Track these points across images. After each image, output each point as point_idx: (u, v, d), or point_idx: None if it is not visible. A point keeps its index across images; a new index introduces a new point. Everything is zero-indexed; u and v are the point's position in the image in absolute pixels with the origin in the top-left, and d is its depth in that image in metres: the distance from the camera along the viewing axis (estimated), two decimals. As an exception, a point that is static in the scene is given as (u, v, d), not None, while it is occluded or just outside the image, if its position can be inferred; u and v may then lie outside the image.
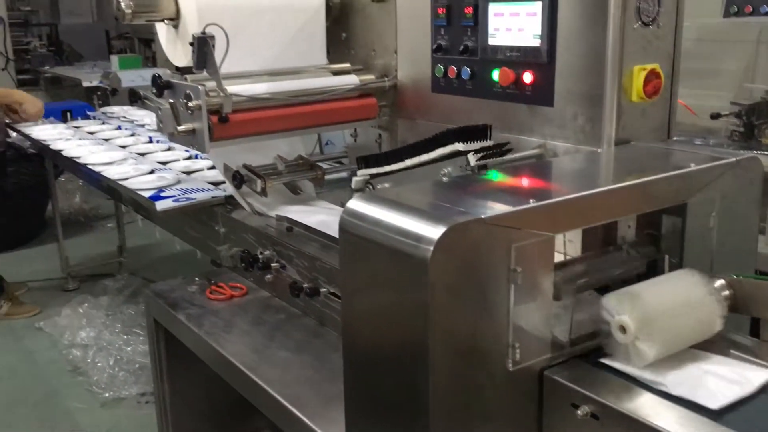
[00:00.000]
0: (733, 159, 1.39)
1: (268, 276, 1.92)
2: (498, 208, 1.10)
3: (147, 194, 2.26)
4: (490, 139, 1.57)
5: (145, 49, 8.90)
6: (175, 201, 2.19)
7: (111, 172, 2.53)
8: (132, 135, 3.09)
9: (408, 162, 1.64)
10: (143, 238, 4.51)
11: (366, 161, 1.71)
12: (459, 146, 1.52)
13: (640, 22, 1.52)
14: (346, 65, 2.18)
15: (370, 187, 1.72)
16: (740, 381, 1.12)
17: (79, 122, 3.62)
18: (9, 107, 3.71)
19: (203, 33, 1.81)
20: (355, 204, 1.18)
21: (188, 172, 2.53)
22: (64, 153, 2.91)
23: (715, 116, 2.66)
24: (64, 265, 4.18)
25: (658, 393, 1.10)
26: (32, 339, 3.55)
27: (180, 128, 1.85)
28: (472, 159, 1.48)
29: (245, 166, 2.10)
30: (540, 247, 1.13)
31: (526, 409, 1.18)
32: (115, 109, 3.96)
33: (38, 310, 3.85)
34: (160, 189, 2.32)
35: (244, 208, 2.14)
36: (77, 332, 3.40)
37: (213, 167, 2.59)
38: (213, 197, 2.22)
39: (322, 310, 1.76)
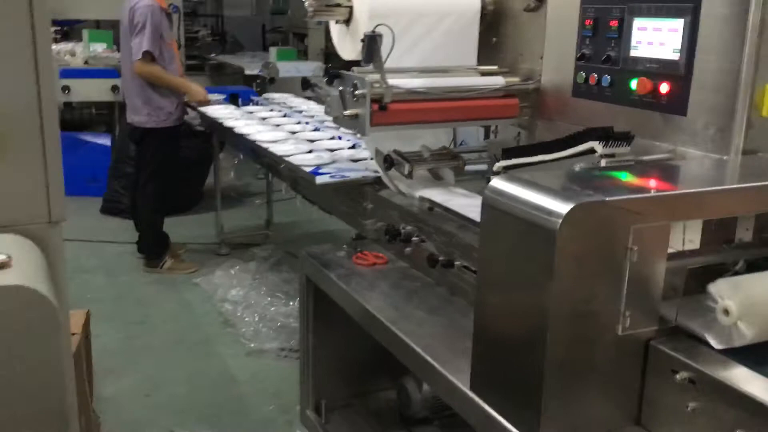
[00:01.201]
0: None
1: (408, 249, 2.17)
2: (621, 193, 1.29)
3: (308, 170, 2.58)
4: (629, 146, 1.73)
5: (299, 42, 9.46)
6: (331, 177, 2.49)
7: (276, 149, 2.88)
8: (298, 123, 3.42)
9: (545, 156, 1.83)
10: (288, 215, 4.92)
11: (509, 152, 1.92)
12: (595, 145, 1.71)
13: (776, 44, 1.64)
14: (494, 67, 2.39)
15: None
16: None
17: (251, 107, 4.02)
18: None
19: (373, 32, 2.09)
20: (497, 182, 1.40)
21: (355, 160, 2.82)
22: (236, 130, 3.31)
23: None
24: (219, 232, 4.65)
25: (749, 366, 1.25)
26: (190, 292, 4.01)
27: (346, 113, 2.13)
28: (604, 160, 1.66)
29: (395, 151, 2.36)
30: (656, 232, 1.31)
31: (630, 371, 1.35)
32: (276, 96, 4.36)
33: (196, 268, 4.33)
34: (318, 166, 2.63)
35: (390, 188, 2.41)
36: (228, 290, 3.83)
37: (352, 147, 2.89)
38: (364, 176, 2.50)
39: (454, 281, 1.99)
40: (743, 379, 1.23)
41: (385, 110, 2.12)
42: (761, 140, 1.68)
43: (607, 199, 1.25)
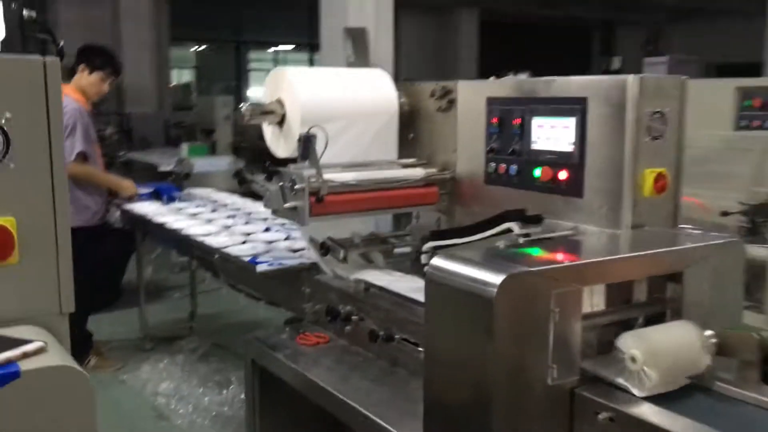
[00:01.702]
0: (721, 240, 1.83)
1: (348, 327, 2.37)
2: (542, 264, 1.55)
3: (247, 259, 2.75)
4: (540, 225, 2.02)
5: (206, 137, 9.66)
6: (270, 265, 2.67)
7: (212, 241, 3.03)
8: (229, 217, 3.59)
9: (469, 237, 2.10)
10: (212, 307, 4.99)
11: (437, 235, 2.18)
12: (512, 226, 1.99)
13: (650, 137, 1.99)
14: (413, 160, 2.68)
15: (435, 255, 2.18)
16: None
17: (179, 204, 4.14)
18: (109, 190, 4.31)
19: (308, 133, 2.34)
20: (438, 261, 1.64)
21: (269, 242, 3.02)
22: (167, 225, 3.44)
23: (725, 214, 3.10)
24: (143, 327, 4.66)
25: (656, 404, 1.51)
26: (119, 389, 3.98)
27: (286, 205, 2.34)
28: (521, 238, 1.94)
29: (330, 239, 2.58)
30: (572, 296, 1.57)
31: (560, 416, 1.59)
32: (198, 191, 4.52)
33: (122, 364, 4.31)
34: (255, 256, 2.81)
35: (326, 272, 2.61)
36: (158, 384, 3.84)
37: (286, 238, 3.09)
38: (301, 263, 2.69)
39: (394, 354, 2.19)
40: (652, 414, 1.49)
41: (322, 202, 2.34)
42: (645, 216, 2.01)
43: (533, 269, 1.51)
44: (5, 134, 1.13)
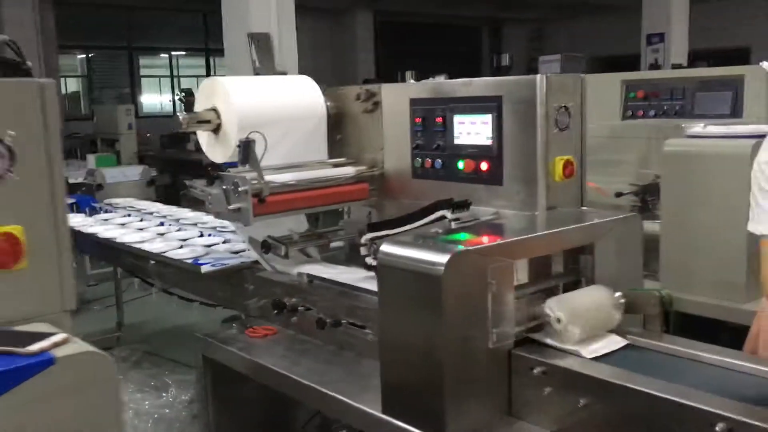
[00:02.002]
0: (622, 216, 2.13)
1: (294, 318, 2.54)
2: (479, 244, 1.79)
3: (189, 261, 2.86)
4: (468, 210, 2.27)
5: (108, 147, 9.49)
6: (212, 266, 2.80)
7: (150, 247, 3.12)
8: (161, 224, 3.65)
9: (406, 226, 2.32)
10: (138, 315, 4.99)
11: (375, 226, 2.39)
12: (445, 213, 2.22)
13: (557, 129, 2.27)
14: (343, 159, 2.88)
15: (375, 245, 2.39)
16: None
17: (106, 215, 4.14)
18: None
19: (248, 138, 2.49)
20: (387, 247, 1.85)
21: (207, 246, 3.14)
22: (99, 235, 3.48)
23: (619, 195, 3.46)
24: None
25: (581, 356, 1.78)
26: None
27: (230, 207, 2.49)
28: (453, 223, 2.18)
29: (270, 237, 2.74)
30: (505, 269, 1.81)
31: (500, 373, 1.83)
32: (120, 201, 4.53)
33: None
34: (196, 258, 2.93)
35: (267, 269, 2.77)
36: (94, 394, 3.85)
37: (224, 242, 3.22)
38: (242, 262, 2.84)
39: (341, 338, 2.38)
40: (576, 364, 1.75)
41: (264, 202, 2.50)
42: (558, 199, 2.30)
43: (471, 248, 1.74)
44: (10, 150, 1.25)
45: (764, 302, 2.11)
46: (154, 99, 16.31)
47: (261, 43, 7.51)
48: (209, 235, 3.33)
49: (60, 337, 1.21)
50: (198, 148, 10.01)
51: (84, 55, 15.49)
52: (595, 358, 1.79)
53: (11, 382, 1.09)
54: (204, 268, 2.77)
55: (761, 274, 1.94)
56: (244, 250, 2.95)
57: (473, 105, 2.42)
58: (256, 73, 7.56)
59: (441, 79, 2.70)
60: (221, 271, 2.80)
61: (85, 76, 15.87)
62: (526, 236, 1.92)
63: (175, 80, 16.21)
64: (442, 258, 1.70)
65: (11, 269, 1.28)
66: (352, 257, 2.82)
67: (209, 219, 3.64)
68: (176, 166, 9.64)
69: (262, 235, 2.77)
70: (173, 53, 16.30)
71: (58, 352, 1.17)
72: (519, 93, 2.29)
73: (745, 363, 1.76)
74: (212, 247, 3.06)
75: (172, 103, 15.81)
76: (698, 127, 3.09)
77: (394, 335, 1.85)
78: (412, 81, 2.82)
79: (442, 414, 1.74)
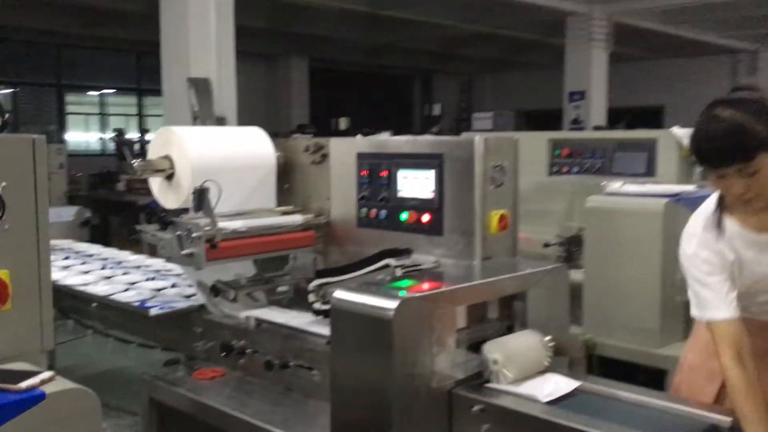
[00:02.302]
0: (551, 266, 2.34)
1: (242, 360, 2.63)
2: (425, 290, 1.96)
3: (136, 304, 2.92)
4: (409, 257, 2.44)
5: None
6: (161, 309, 2.87)
7: (94, 290, 3.16)
8: (103, 268, 3.67)
9: (353, 273, 2.46)
10: (67, 360, 4.91)
11: (323, 273, 2.52)
12: (390, 261, 2.38)
13: (493, 185, 2.48)
14: (290, 207, 3.01)
15: (322, 291, 2.53)
16: (558, 388, 2.00)
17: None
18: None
19: (202, 186, 2.61)
20: (340, 294, 2.00)
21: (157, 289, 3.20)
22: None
23: (547, 245, 3.71)
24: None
25: (516, 395, 1.96)
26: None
27: (183, 252, 2.59)
28: (399, 270, 2.34)
29: (219, 281, 2.83)
30: (448, 314, 1.99)
31: (441, 411, 1.98)
32: (59, 242, 4.50)
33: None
34: (143, 301, 2.99)
35: (215, 312, 2.86)
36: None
37: (173, 286, 3.29)
38: (190, 305, 2.92)
39: (289, 379, 2.49)
40: (512, 402, 1.93)
41: (215, 248, 2.61)
42: (493, 249, 2.49)
43: (418, 294, 1.91)
44: (1, 200, 1.34)
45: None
46: (81, 137, 16.04)
47: (200, 87, 7.64)
48: (153, 278, 3.38)
49: (47, 374, 1.29)
50: (129, 189, 10.06)
51: (10, 90, 15.16)
52: (529, 398, 1.97)
53: (7, 415, 1.18)
54: (153, 311, 2.83)
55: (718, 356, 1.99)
56: (192, 294, 3.03)
57: (417, 161, 2.62)
58: (195, 118, 7.68)
59: (386, 136, 2.89)
60: (169, 315, 2.86)
61: (9, 112, 15.49)
62: (466, 284, 2.10)
63: (105, 119, 16.01)
64: (392, 303, 1.86)
65: (-2, 311, 1.36)
66: (297, 301, 2.94)
67: (152, 262, 3.70)
68: (106, 207, 9.54)
69: (211, 279, 2.86)
70: (104, 91, 16.13)
71: (48, 389, 1.26)
72: (459, 152, 2.49)
73: (666, 402, 1.97)
74: (161, 291, 3.12)
75: (101, 141, 15.59)
76: (617, 185, 3.38)
77: (345, 375, 1.98)
78: (360, 136, 3.00)
79: (389, 449, 1.87)
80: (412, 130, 20.14)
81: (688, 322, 3.07)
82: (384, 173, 2.72)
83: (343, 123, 16.33)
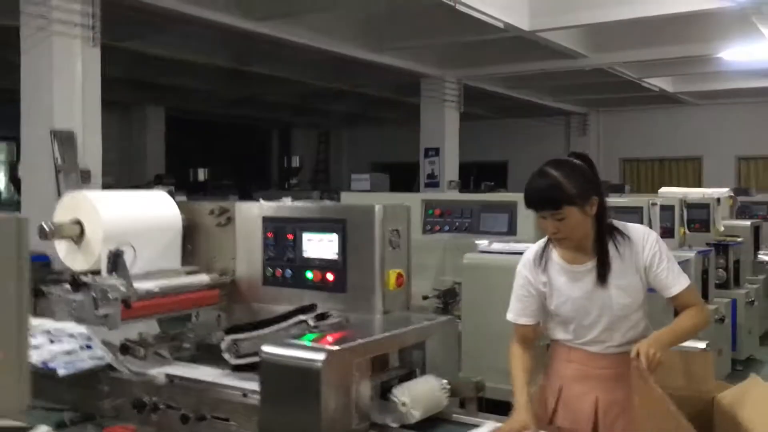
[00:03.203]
0: (445, 319, 2.69)
1: (154, 416, 2.75)
2: (345, 343, 2.23)
3: (40, 365, 2.95)
4: (316, 312, 2.70)
5: None
6: (66, 369, 2.92)
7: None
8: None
9: (266, 329, 2.68)
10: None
11: (234, 329, 2.72)
12: (306, 318, 2.63)
13: (391, 247, 2.81)
14: (195, 267, 3.18)
15: (236, 346, 2.73)
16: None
17: None
18: None
19: (117, 249, 2.75)
20: (268, 348, 2.23)
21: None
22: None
23: (425, 298, 4.09)
24: None
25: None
26: None
27: (99, 312, 2.69)
28: (312, 323, 2.60)
29: (128, 340, 2.94)
30: (364, 364, 2.27)
31: (361, 450, 2.25)
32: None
33: None
34: (44, 362, 3.01)
35: (122, 370, 2.95)
36: None
37: (69, 352, 3.31)
38: (97, 364, 2.98)
39: (205, 431, 2.64)
40: (422, 437, 2.23)
41: (130, 308, 2.75)
42: (392, 304, 2.80)
43: (342, 347, 2.18)
44: (-12, 274, 1.47)
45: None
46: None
47: (64, 140, 7.49)
48: (53, 341, 3.38)
49: (45, 428, 1.43)
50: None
51: None
52: (433, 433, 2.28)
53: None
54: (60, 372, 2.87)
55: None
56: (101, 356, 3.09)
57: (321, 225, 2.90)
58: (58, 171, 7.50)
59: (288, 201, 3.14)
60: (79, 373, 2.92)
61: None
62: (380, 336, 2.40)
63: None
64: (320, 356, 2.12)
65: (-20, 375, 1.49)
66: (200, 357, 3.10)
67: (39, 322, 3.68)
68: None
69: (116, 338, 2.96)
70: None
71: (48, 443, 1.41)
72: (361, 217, 2.80)
73: None
74: (70, 353, 3.15)
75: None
76: (485, 243, 3.84)
77: (274, 423, 2.20)
78: (262, 201, 3.23)
79: (317, 488, 2.11)
80: (270, 181, 20.35)
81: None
82: (290, 236, 2.97)
83: (201, 174, 16.30)
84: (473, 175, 15.81)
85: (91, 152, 7.65)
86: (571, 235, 2.54)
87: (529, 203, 2.58)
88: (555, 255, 2.66)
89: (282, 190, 16.52)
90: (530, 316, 2.71)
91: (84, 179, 7.40)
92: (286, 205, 3.07)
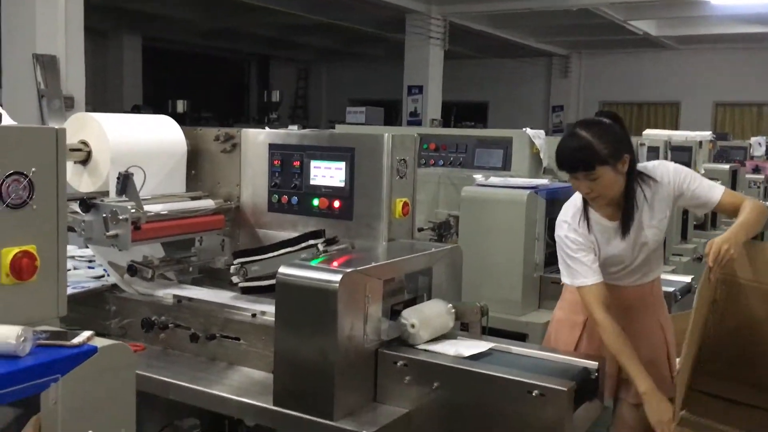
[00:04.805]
0: (450, 246, 2.77)
1: (162, 335, 2.82)
2: (359, 266, 2.30)
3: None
4: (324, 238, 2.76)
5: None
6: (74, 288, 2.96)
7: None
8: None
9: (274, 252, 2.74)
10: None
11: (241, 253, 2.78)
12: (312, 241, 2.69)
13: (398, 176, 2.85)
14: (200, 192, 3.20)
15: (245, 270, 2.79)
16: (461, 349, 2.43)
17: None
18: None
19: (127, 171, 2.76)
20: (286, 269, 2.28)
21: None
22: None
23: (421, 230, 4.14)
24: None
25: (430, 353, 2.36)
26: None
27: (108, 233, 2.71)
28: (322, 247, 2.66)
29: (134, 261, 2.98)
30: (376, 285, 2.34)
31: (369, 368, 2.34)
32: None
33: None
34: (51, 282, 3.05)
35: (128, 291, 3.00)
36: None
37: (90, 267, 3.35)
38: (103, 285, 3.03)
39: (214, 349, 2.72)
40: (430, 357, 2.33)
41: (140, 230, 2.77)
42: (397, 232, 2.86)
43: (357, 269, 2.25)
44: (31, 183, 1.49)
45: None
46: None
47: (47, 65, 7.34)
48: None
49: (88, 333, 1.48)
50: None
51: None
52: (436, 350, 2.38)
53: (66, 367, 1.36)
54: (68, 291, 2.91)
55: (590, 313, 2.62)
56: (100, 276, 3.14)
57: (329, 153, 2.93)
58: (41, 96, 7.37)
59: (295, 129, 3.16)
60: (83, 293, 2.96)
61: None
62: (391, 260, 2.47)
63: None
64: (336, 277, 2.19)
65: (27, 281, 1.52)
66: (204, 281, 3.16)
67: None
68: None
69: (122, 260, 3.00)
70: None
71: (97, 344, 1.46)
72: (369, 146, 2.83)
73: (546, 353, 2.47)
74: (76, 274, 3.19)
75: None
76: (482, 177, 3.90)
77: (290, 342, 2.28)
78: (267, 128, 3.24)
79: (332, 402, 2.20)
80: (249, 115, 20.11)
81: (541, 295, 3.68)
82: (296, 163, 3.00)
83: (180, 105, 16.04)
84: (453, 114, 15.80)
85: (74, 78, 7.52)
86: (605, 193, 2.57)
87: (562, 165, 2.60)
88: (593, 212, 2.67)
89: (260, 124, 16.39)
90: (597, 273, 2.62)
91: (67, 106, 7.29)
92: (293, 133, 3.09)
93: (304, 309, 2.25)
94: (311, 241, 2.71)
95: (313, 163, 2.97)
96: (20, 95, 7.24)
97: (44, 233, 1.54)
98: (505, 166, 4.40)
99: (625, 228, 2.62)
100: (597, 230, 2.68)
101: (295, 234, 2.86)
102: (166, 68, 18.20)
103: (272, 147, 3.07)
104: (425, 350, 2.39)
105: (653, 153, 5.64)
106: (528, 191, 3.53)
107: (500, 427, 2.22)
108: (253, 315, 2.66)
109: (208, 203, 3.12)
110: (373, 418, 2.27)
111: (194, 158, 3.24)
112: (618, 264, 2.69)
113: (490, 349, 2.45)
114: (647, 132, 6.82)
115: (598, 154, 2.50)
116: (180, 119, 3.24)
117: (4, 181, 1.45)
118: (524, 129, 4.37)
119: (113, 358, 1.47)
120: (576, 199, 2.71)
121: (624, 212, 2.63)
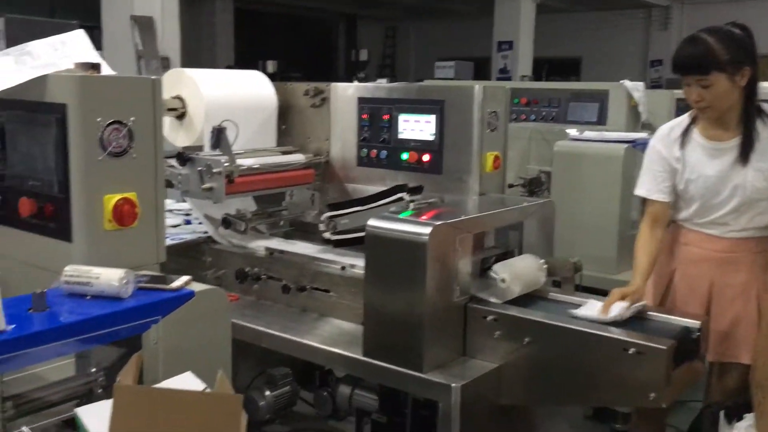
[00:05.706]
0: (542, 201, 2.69)
1: (255, 286, 2.89)
2: (449, 219, 2.27)
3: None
4: (420, 194, 2.74)
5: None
6: (172, 239, 3.06)
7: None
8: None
9: (363, 206, 2.74)
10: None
11: (335, 206, 2.79)
12: (403, 195, 2.67)
13: (489, 129, 2.78)
14: (290, 147, 3.24)
15: (334, 223, 2.81)
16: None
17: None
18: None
19: (221, 126, 2.81)
20: (374, 222, 2.28)
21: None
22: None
23: (511, 186, 4.07)
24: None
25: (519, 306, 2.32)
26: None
27: (204, 186, 2.78)
28: (412, 203, 2.64)
29: (228, 215, 3.05)
30: (466, 239, 2.31)
31: (458, 322, 2.32)
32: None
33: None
34: (151, 233, 3.17)
35: (223, 243, 3.08)
36: None
37: (188, 222, 3.46)
38: (199, 237, 3.12)
39: (304, 301, 2.76)
40: (517, 312, 2.29)
41: (233, 183, 2.83)
42: (486, 187, 2.81)
43: (447, 221, 2.22)
44: (130, 132, 1.54)
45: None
46: None
47: (143, 26, 7.56)
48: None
49: (186, 278, 1.53)
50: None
51: None
52: (529, 308, 2.33)
53: (165, 310, 1.42)
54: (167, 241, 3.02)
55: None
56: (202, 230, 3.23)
57: (418, 106, 2.89)
58: (139, 57, 7.60)
59: (383, 83, 3.14)
60: (180, 245, 3.07)
61: None
62: (481, 214, 2.42)
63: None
64: (426, 230, 2.16)
65: (128, 227, 1.58)
66: (294, 234, 3.21)
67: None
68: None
69: (216, 214, 3.08)
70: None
71: (194, 288, 1.51)
72: (459, 99, 2.78)
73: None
74: (174, 227, 3.30)
75: None
76: (576, 132, 3.77)
77: (379, 294, 2.29)
78: (357, 82, 3.23)
79: (421, 354, 2.20)
80: (337, 75, 20.19)
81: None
82: (385, 117, 2.98)
83: (270, 66, 16.27)
84: (545, 71, 15.33)
85: (169, 39, 7.72)
86: (715, 104, 2.40)
87: (676, 67, 2.45)
88: (696, 131, 2.53)
89: (349, 83, 16.38)
90: (663, 192, 2.57)
91: (163, 66, 7.50)
92: (382, 86, 3.06)
93: (393, 262, 2.24)
94: (400, 194, 2.69)
95: (402, 117, 2.94)
96: (120, 56, 7.48)
97: (144, 181, 1.59)
98: (600, 121, 4.23)
99: (744, 153, 2.42)
100: (693, 148, 2.52)
101: (384, 188, 2.85)
102: (256, 29, 18.43)
103: (361, 101, 3.06)
104: (513, 305, 2.34)
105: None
106: (625, 145, 3.39)
107: (594, 385, 2.17)
108: (342, 268, 2.69)
109: (298, 158, 3.14)
110: (462, 372, 2.26)
111: (285, 113, 3.27)
112: (700, 198, 2.51)
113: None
114: (764, 84, 6.39)
115: (717, 58, 2.34)
116: (270, 79, 3.28)
117: (105, 130, 1.49)
118: (622, 81, 4.18)
119: (210, 302, 1.51)
120: (681, 118, 2.61)
121: (744, 135, 2.43)
